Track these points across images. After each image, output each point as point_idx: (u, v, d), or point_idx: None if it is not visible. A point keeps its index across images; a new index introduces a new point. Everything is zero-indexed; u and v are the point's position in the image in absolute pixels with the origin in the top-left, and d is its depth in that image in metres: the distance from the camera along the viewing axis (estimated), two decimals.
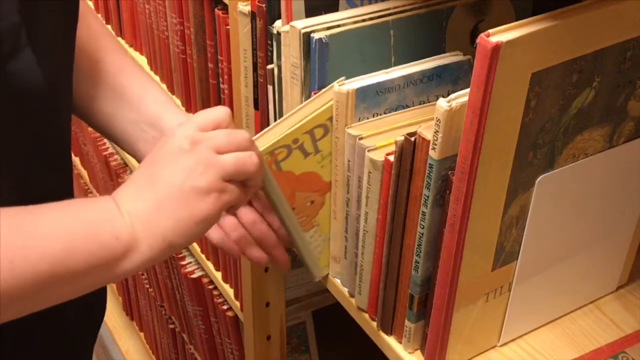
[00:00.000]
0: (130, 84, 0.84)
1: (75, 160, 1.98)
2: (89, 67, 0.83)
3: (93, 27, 0.86)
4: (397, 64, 0.78)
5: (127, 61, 0.87)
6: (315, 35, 0.74)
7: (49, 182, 0.73)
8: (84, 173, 1.95)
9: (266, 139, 0.75)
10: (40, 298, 0.60)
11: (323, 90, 0.75)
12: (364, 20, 0.76)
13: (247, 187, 0.69)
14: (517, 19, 0.59)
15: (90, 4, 1.57)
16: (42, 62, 0.65)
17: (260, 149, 0.73)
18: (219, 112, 0.69)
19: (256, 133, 0.93)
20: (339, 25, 0.75)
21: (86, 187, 1.95)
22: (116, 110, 0.83)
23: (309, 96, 0.77)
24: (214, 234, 0.79)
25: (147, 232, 0.62)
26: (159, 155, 0.65)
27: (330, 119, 0.75)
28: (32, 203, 0.63)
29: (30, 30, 0.63)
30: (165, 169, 0.64)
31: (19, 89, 0.63)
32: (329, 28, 0.75)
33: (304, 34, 0.75)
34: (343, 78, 0.74)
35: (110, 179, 1.76)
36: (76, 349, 0.87)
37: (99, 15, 1.53)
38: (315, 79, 0.76)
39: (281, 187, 0.76)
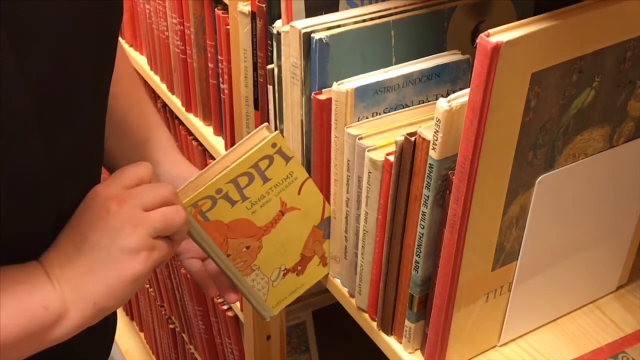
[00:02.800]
0: (137, 123, 0.84)
1: None
2: None
3: None
4: (397, 64, 0.78)
5: (138, 95, 0.86)
6: (316, 36, 0.74)
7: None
8: None
9: (188, 191, 0.73)
10: None
11: (245, 138, 0.75)
12: (364, 21, 0.76)
13: (174, 241, 0.68)
14: (518, 19, 0.59)
15: None
16: (51, 147, 0.61)
17: (184, 202, 0.72)
18: (141, 169, 0.68)
19: None
20: (339, 26, 0.75)
21: None
22: (122, 145, 0.82)
23: (309, 96, 0.77)
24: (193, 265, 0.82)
25: (78, 297, 0.61)
26: (84, 218, 0.64)
27: (256, 165, 0.74)
28: (49, 216, 0.62)
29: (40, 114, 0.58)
30: (92, 232, 0.62)
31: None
32: (329, 28, 0.75)
33: (304, 34, 0.75)
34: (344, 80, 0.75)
35: None
36: None
37: None
38: (315, 79, 0.76)
39: (212, 236, 0.76)
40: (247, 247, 0.79)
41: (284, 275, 0.83)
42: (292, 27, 0.76)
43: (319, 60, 0.75)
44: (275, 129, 0.86)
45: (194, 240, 0.76)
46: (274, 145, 0.75)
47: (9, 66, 0.54)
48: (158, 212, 0.65)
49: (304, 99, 0.78)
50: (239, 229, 0.77)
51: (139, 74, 1.40)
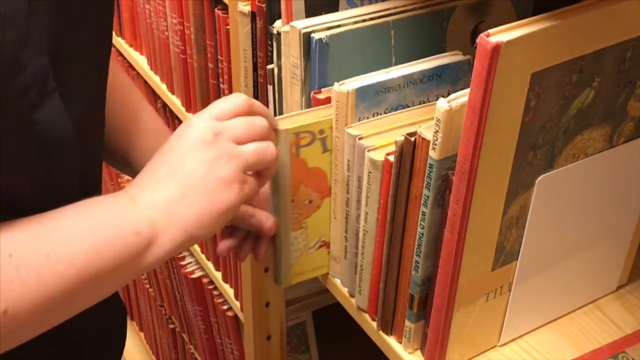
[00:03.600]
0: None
1: None
2: (125, 117, 0.84)
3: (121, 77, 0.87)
4: (397, 64, 0.78)
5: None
6: (316, 35, 0.74)
7: None
8: None
9: (293, 121, 0.74)
10: (69, 307, 0.58)
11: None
12: (364, 20, 0.76)
13: (262, 177, 0.69)
14: (517, 19, 0.59)
15: None
16: (71, 106, 0.61)
17: (288, 127, 0.73)
18: (237, 101, 0.68)
19: None
20: (339, 25, 0.75)
21: None
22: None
23: (309, 96, 0.77)
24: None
25: (169, 223, 0.61)
26: (179, 145, 0.64)
27: None
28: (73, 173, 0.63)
29: (59, 70, 0.59)
30: (188, 160, 0.63)
31: (45, 137, 0.60)
32: (329, 28, 0.75)
33: (304, 34, 0.75)
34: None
35: (110, 178, 1.76)
36: None
37: None
38: (315, 79, 0.76)
39: (292, 174, 0.76)
40: (310, 201, 0.78)
41: (319, 247, 0.83)
42: (292, 27, 0.76)
43: (319, 60, 0.75)
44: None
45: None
46: None
47: (26, 26, 0.55)
48: (251, 147, 0.66)
49: (304, 99, 0.78)
50: (315, 179, 0.77)
51: (139, 74, 1.40)
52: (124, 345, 0.92)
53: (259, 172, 0.69)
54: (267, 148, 0.67)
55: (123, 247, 0.59)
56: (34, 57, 0.56)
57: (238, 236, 0.81)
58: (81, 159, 0.66)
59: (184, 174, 0.62)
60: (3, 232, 0.54)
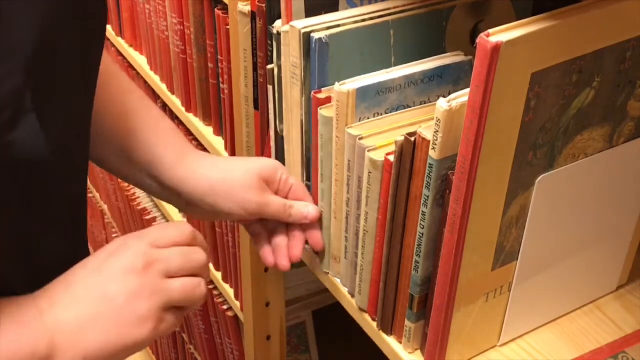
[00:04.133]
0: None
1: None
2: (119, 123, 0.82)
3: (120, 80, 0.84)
4: (397, 64, 0.78)
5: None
6: (316, 35, 0.74)
7: (56, 244, 0.67)
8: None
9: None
10: None
11: None
12: (364, 20, 0.76)
13: (184, 311, 0.67)
14: (517, 19, 0.59)
15: None
16: (49, 125, 0.58)
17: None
18: (182, 231, 0.67)
19: (256, 133, 0.93)
20: (339, 25, 0.75)
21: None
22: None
23: (309, 96, 0.77)
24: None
25: (69, 347, 0.58)
26: (107, 267, 0.62)
27: None
28: (40, 264, 0.60)
29: (39, 88, 0.56)
30: (111, 285, 0.61)
31: (18, 158, 0.56)
32: (329, 28, 0.75)
33: (304, 34, 0.75)
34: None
35: (110, 179, 1.76)
36: None
37: None
38: (315, 79, 0.76)
39: None
40: None
41: None
42: (292, 27, 0.76)
43: (319, 60, 0.75)
44: (276, 129, 0.86)
45: None
46: None
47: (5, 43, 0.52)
48: (179, 283, 0.64)
49: (304, 98, 0.78)
50: None
51: (139, 74, 1.41)
52: None
53: (180, 308, 0.66)
54: (196, 286, 0.66)
55: None
56: (5, 76, 0.53)
57: (279, 235, 0.82)
58: (62, 180, 0.63)
59: (101, 299, 0.60)
60: None
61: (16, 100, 0.54)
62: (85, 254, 0.72)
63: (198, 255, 0.67)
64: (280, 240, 0.83)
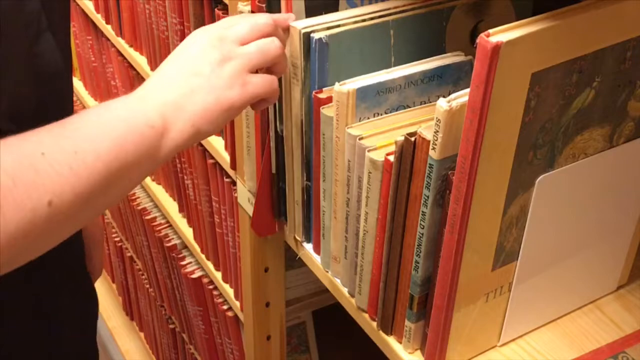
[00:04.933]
0: None
1: None
2: None
3: None
4: (397, 64, 0.78)
5: None
6: (315, 35, 0.74)
7: None
8: None
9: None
10: (102, 200, 0.62)
11: None
12: (364, 20, 0.76)
13: (273, 74, 0.72)
14: (517, 19, 0.59)
15: (90, 4, 1.57)
16: (59, 45, 0.71)
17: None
18: (243, 18, 0.72)
19: (256, 133, 0.93)
20: (339, 25, 0.75)
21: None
22: None
23: (309, 96, 0.77)
24: None
25: (177, 118, 0.65)
26: (187, 50, 0.69)
27: None
28: None
29: (48, 12, 0.69)
30: (195, 61, 0.68)
31: (43, 69, 0.69)
32: (329, 28, 0.75)
33: (304, 34, 0.75)
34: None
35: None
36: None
37: (99, 16, 1.53)
38: (315, 79, 0.76)
39: None
40: None
41: None
42: (292, 27, 0.76)
43: (319, 60, 0.75)
44: (276, 129, 0.86)
45: None
46: None
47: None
48: (253, 45, 0.70)
49: (304, 98, 0.78)
50: None
51: (139, 74, 1.40)
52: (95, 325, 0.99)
53: (270, 69, 0.72)
54: (270, 44, 0.70)
55: (140, 140, 0.63)
56: None
57: None
58: (67, 92, 0.76)
59: (190, 74, 0.67)
60: (30, 137, 0.59)
61: (36, 19, 0.68)
62: None
63: (263, 19, 0.72)
64: None
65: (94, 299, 1.00)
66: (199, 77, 0.67)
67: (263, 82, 0.69)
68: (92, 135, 0.61)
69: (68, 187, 0.58)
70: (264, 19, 0.71)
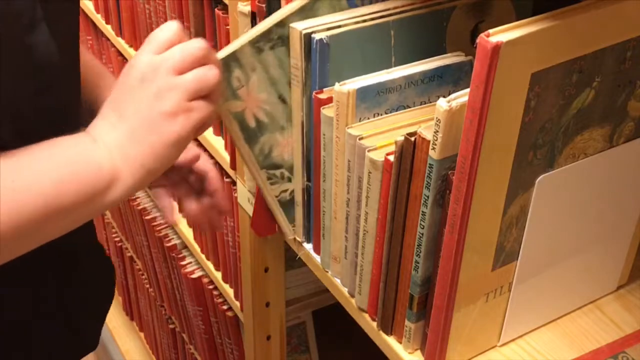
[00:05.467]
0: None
1: None
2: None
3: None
4: (397, 64, 0.78)
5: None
6: (316, 36, 0.74)
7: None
8: None
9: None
10: (37, 235, 0.63)
11: None
12: (364, 21, 0.76)
13: (213, 100, 0.69)
14: (517, 19, 0.59)
15: (90, 4, 1.57)
16: (55, 34, 0.69)
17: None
18: (169, 30, 0.69)
19: None
20: (339, 26, 0.75)
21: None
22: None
23: (310, 97, 0.77)
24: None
25: (126, 161, 0.65)
26: (124, 88, 0.67)
27: None
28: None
29: (43, 6, 0.67)
30: (131, 101, 0.66)
31: (37, 61, 0.68)
32: (329, 29, 0.75)
33: (305, 35, 0.75)
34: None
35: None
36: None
37: (99, 16, 1.53)
38: (315, 79, 0.76)
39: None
40: None
41: None
42: (292, 28, 0.76)
43: (320, 60, 0.75)
44: None
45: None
46: None
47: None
48: (190, 75, 0.67)
49: (304, 99, 0.78)
50: None
51: None
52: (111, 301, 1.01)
53: (207, 97, 0.69)
54: (207, 72, 0.68)
55: (87, 180, 0.63)
56: None
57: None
58: (64, 85, 0.74)
59: (130, 115, 0.66)
60: None
61: (31, 7, 0.66)
62: None
63: (196, 45, 0.69)
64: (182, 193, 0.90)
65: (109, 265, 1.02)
66: (138, 116, 0.65)
67: (206, 105, 0.68)
68: (37, 171, 0.62)
69: (5, 217, 0.59)
70: (197, 45, 0.68)
